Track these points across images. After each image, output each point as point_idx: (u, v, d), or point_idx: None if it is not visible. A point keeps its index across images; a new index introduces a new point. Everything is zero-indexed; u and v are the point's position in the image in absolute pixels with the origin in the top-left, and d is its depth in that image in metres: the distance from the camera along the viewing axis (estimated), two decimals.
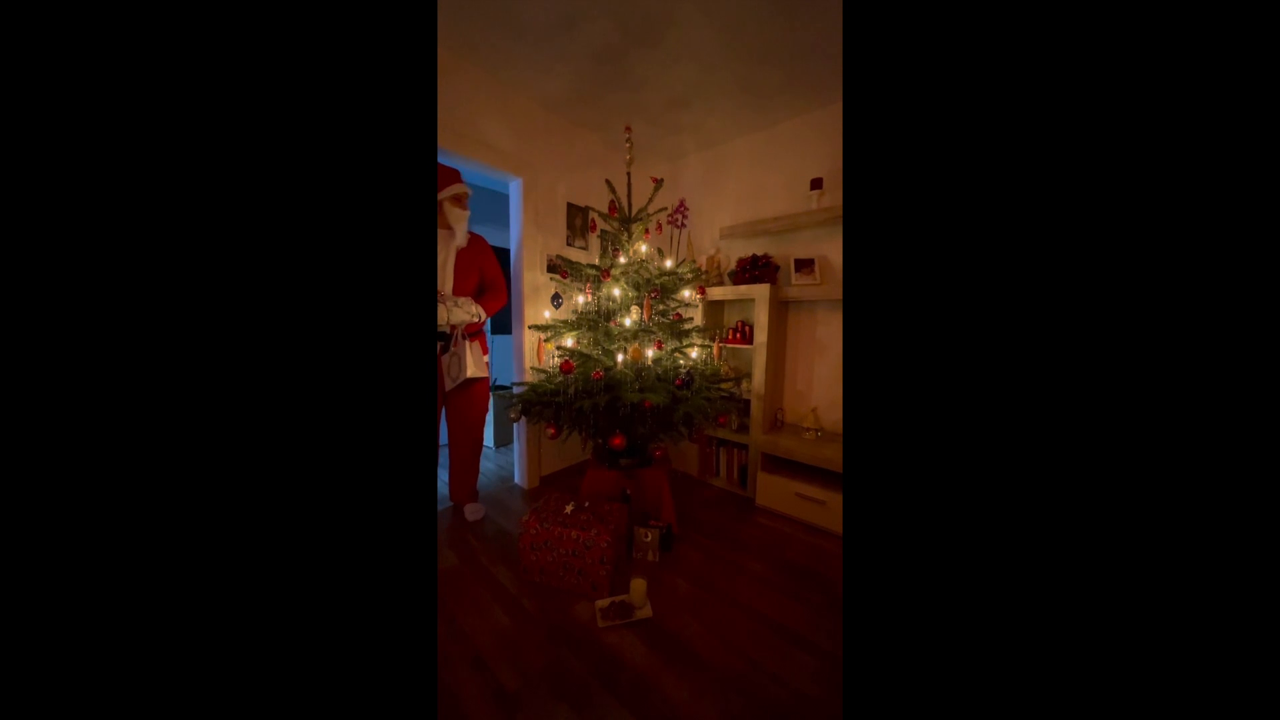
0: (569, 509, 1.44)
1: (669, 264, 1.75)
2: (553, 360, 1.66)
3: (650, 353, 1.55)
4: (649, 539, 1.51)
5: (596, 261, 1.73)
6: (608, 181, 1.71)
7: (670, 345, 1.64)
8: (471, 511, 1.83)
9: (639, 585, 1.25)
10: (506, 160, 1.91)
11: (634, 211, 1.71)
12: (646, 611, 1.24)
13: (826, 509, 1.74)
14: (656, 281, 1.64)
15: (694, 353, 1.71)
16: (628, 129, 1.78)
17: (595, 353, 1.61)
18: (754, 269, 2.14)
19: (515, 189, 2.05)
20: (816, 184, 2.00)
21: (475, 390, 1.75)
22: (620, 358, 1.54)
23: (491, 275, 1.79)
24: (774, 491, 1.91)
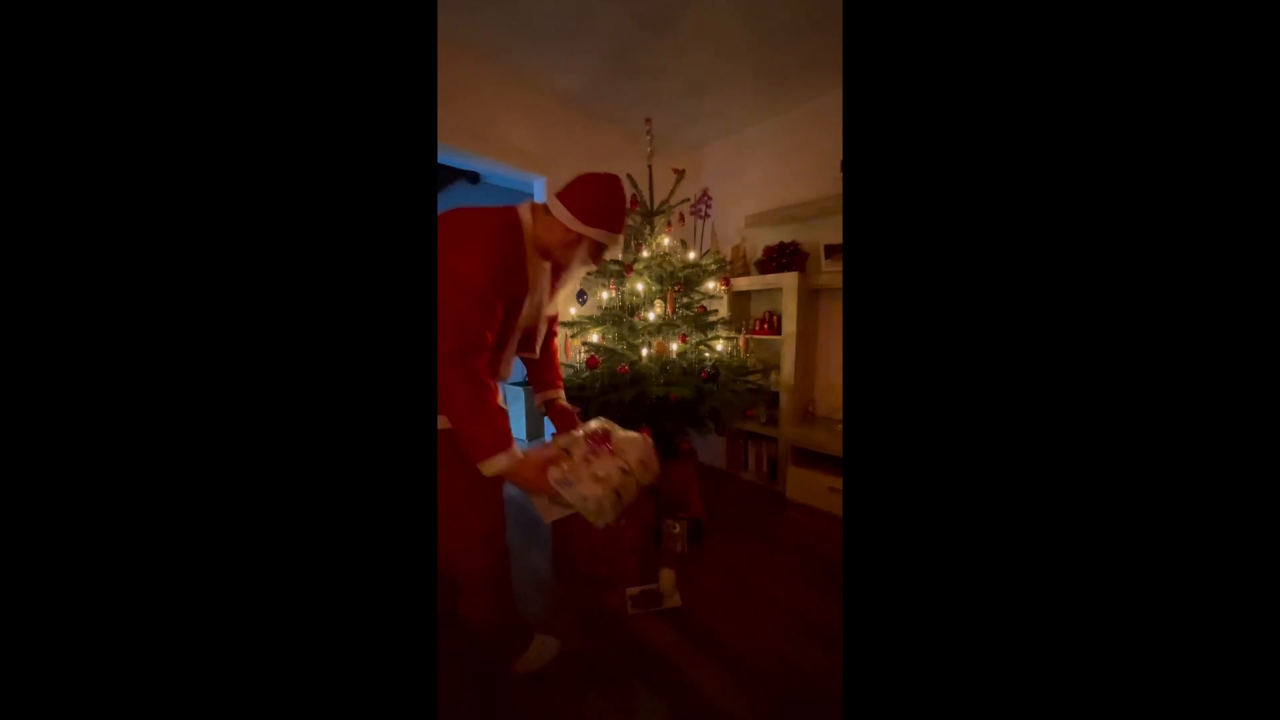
0: None
1: (692, 256, 1.73)
2: (579, 356, 1.69)
3: (675, 346, 1.54)
4: (677, 530, 1.52)
5: (619, 256, 1.73)
6: (629, 175, 1.70)
7: (695, 338, 1.63)
8: (541, 652, 1.02)
9: (668, 575, 1.26)
10: (529, 160, 1.95)
11: (656, 204, 1.70)
12: (675, 601, 1.25)
13: None
14: (680, 274, 1.63)
15: (720, 345, 1.70)
16: (647, 121, 1.76)
17: (620, 347, 1.62)
18: (781, 257, 2.09)
19: (539, 188, 2.08)
20: None
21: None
22: (645, 352, 1.55)
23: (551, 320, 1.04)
24: (805, 485, 1.87)
